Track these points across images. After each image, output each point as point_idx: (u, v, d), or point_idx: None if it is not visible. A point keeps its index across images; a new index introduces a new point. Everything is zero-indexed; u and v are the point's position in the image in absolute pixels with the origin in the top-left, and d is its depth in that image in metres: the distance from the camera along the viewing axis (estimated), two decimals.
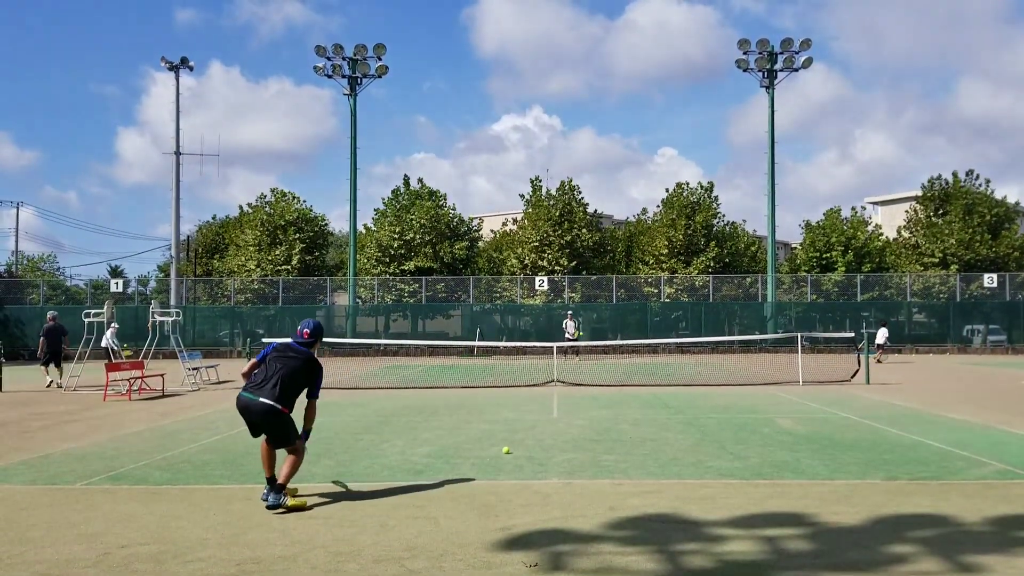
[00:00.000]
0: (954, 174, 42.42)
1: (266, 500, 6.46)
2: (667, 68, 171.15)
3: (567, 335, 29.62)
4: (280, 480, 6.52)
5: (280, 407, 6.54)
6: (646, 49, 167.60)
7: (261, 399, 6.54)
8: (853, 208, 43.02)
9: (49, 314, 20.35)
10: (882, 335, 30.32)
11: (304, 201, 42.11)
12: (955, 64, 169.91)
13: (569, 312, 31.84)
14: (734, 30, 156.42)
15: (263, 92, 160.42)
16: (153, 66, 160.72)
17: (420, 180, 42.14)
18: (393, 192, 42.34)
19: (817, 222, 42.23)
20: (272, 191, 42.16)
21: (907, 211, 43.76)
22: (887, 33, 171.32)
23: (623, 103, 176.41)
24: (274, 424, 6.60)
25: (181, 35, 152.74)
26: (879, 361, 29.08)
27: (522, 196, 41.60)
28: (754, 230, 49.82)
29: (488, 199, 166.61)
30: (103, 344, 21.06)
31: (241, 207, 44.64)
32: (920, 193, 43.68)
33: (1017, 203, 42.21)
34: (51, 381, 19.00)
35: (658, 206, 43.38)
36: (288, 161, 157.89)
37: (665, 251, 40.02)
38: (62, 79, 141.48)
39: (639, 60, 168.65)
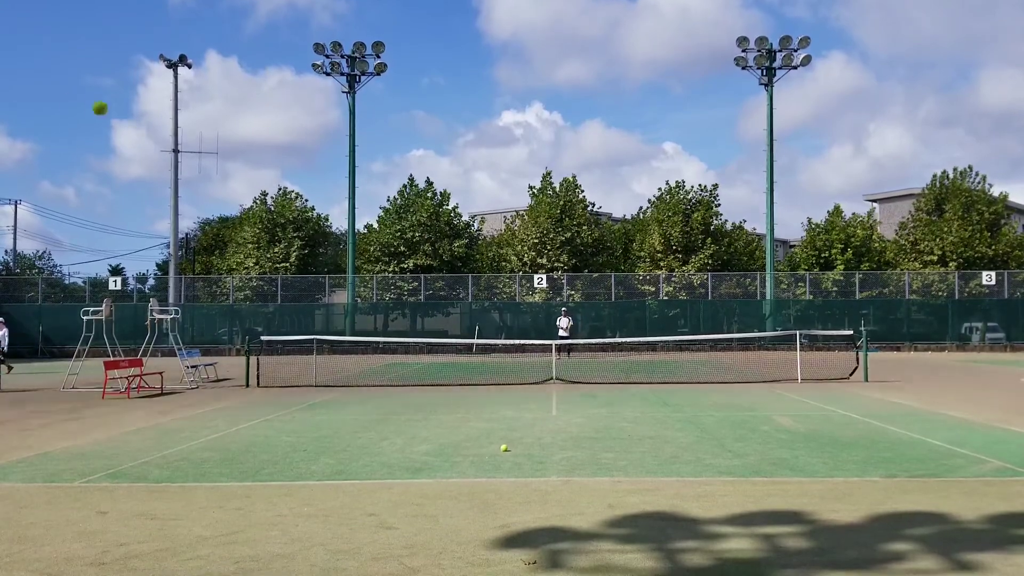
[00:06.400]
0: (955, 170, 42.39)
1: None
2: (681, 56, 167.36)
3: (560, 331, 29.86)
4: None
5: None
6: (658, 36, 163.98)
7: None
8: (854, 213, 42.94)
9: None
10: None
11: (306, 200, 42.14)
12: (977, 53, 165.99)
13: (563, 309, 31.90)
14: (750, 16, 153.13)
15: (262, 83, 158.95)
16: (148, 57, 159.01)
17: (427, 179, 42.31)
18: (400, 192, 42.34)
19: (817, 223, 42.29)
20: (278, 188, 42.14)
21: (910, 212, 43.74)
22: (906, 20, 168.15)
23: (629, 96, 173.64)
24: None
25: (176, 22, 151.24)
26: None
27: (531, 187, 41.71)
28: (754, 228, 49.84)
29: (489, 195, 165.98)
30: None
31: (244, 207, 44.61)
32: (919, 190, 43.68)
33: (1006, 196, 42.07)
34: None
35: (649, 201, 43.52)
36: (288, 154, 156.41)
37: (660, 248, 40.02)
38: (56, 70, 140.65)
39: (652, 48, 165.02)
